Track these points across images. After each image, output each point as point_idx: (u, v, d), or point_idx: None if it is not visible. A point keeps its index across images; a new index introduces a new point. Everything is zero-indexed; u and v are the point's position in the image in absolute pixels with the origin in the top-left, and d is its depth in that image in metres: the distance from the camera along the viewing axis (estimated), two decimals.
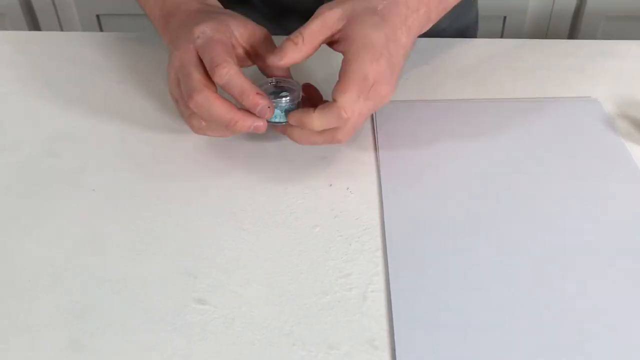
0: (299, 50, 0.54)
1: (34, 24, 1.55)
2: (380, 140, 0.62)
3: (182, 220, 0.54)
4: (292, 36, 0.54)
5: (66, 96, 0.68)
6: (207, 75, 0.53)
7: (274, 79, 0.58)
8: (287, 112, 0.55)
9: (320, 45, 0.55)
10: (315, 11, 0.55)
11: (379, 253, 0.51)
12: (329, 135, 0.54)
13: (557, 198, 0.56)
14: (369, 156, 0.60)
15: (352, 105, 0.52)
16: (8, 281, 0.49)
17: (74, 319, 0.47)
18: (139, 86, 0.69)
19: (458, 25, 0.84)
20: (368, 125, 0.64)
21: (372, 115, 0.64)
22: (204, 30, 0.54)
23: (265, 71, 0.59)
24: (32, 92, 0.69)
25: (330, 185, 0.57)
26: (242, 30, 0.57)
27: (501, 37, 1.48)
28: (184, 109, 0.56)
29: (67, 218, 0.55)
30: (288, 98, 0.55)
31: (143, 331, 0.46)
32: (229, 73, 0.52)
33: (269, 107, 0.53)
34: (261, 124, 0.54)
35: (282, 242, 0.52)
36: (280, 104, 0.55)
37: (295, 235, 0.53)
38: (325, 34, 0.54)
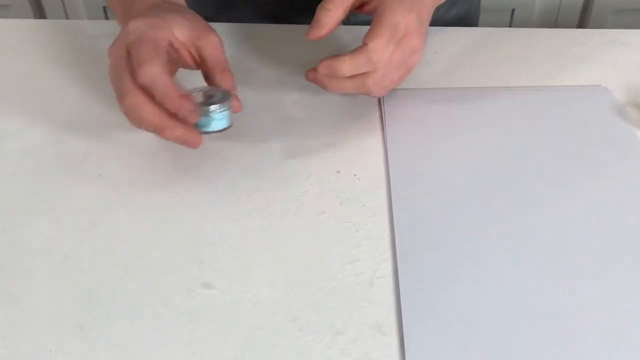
0: (332, 16, 0.55)
1: (41, 16, 1.55)
2: (388, 127, 0.61)
3: (188, 206, 0.54)
4: (323, 4, 0.55)
5: (74, 83, 0.68)
6: None
7: (202, 87, 0.55)
8: (218, 120, 0.53)
9: (349, 9, 0.56)
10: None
11: (386, 240, 0.51)
12: (359, 81, 0.55)
13: (567, 186, 0.55)
14: (377, 143, 0.60)
15: (382, 49, 0.53)
16: (14, 266, 0.49)
17: (80, 304, 0.46)
18: None
19: (455, 13, 0.84)
20: (376, 112, 0.63)
21: (379, 102, 0.64)
22: (140, 26, 0.51)
23: (206, 78, 0.56)
24: (39, 79, 0.69)
25: (338, 172, 0.57)
26: (185, 31, 0.53)
27: None
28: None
29: (73, 203, 0.54)
30: (217, 105, 0.53)
31: (149, 316, 0.46)
32: (153, 73, 0.48)
33: (193, 110, 0.50)
34: (193, 140, 0.51)
35: (288, 228, 0.52)
36: (209, 113, 0.53)
37: (302, 221, 0.52)
38: None
